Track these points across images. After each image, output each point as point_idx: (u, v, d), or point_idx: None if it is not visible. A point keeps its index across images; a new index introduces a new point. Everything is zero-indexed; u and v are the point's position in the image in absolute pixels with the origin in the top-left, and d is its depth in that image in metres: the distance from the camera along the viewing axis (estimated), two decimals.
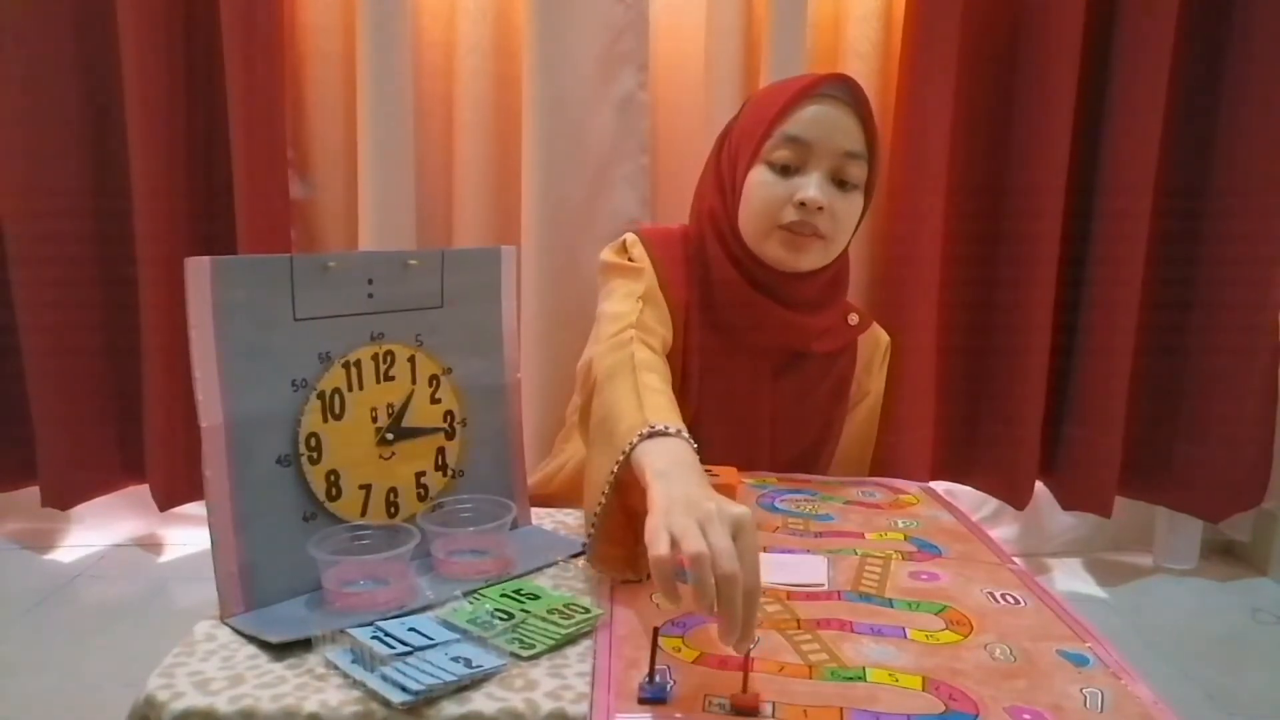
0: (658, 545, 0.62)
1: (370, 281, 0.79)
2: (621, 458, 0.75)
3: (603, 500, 0.77)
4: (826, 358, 1.16)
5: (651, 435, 0.75)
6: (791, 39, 1.54)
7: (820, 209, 1.02)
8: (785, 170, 1.04)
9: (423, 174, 1.63)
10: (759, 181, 1.05)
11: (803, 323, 1.10)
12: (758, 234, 1.06)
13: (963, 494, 1.80)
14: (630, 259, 1.10)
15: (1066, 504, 1.78)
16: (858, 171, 1.05)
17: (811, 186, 1.02)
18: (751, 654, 0.65)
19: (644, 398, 0.83)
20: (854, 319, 1.17)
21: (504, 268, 0.89)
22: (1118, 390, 1.67)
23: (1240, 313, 1.67)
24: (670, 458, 0.73)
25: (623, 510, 0.78)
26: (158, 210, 1.57)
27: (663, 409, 0.82)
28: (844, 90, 1.04)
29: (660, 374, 0.92)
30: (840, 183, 1.05)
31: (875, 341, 1.23)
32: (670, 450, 0.74)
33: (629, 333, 0.98)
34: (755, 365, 1.12)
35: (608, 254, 1.13)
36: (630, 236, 1.13)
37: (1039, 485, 1.77)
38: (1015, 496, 1.74)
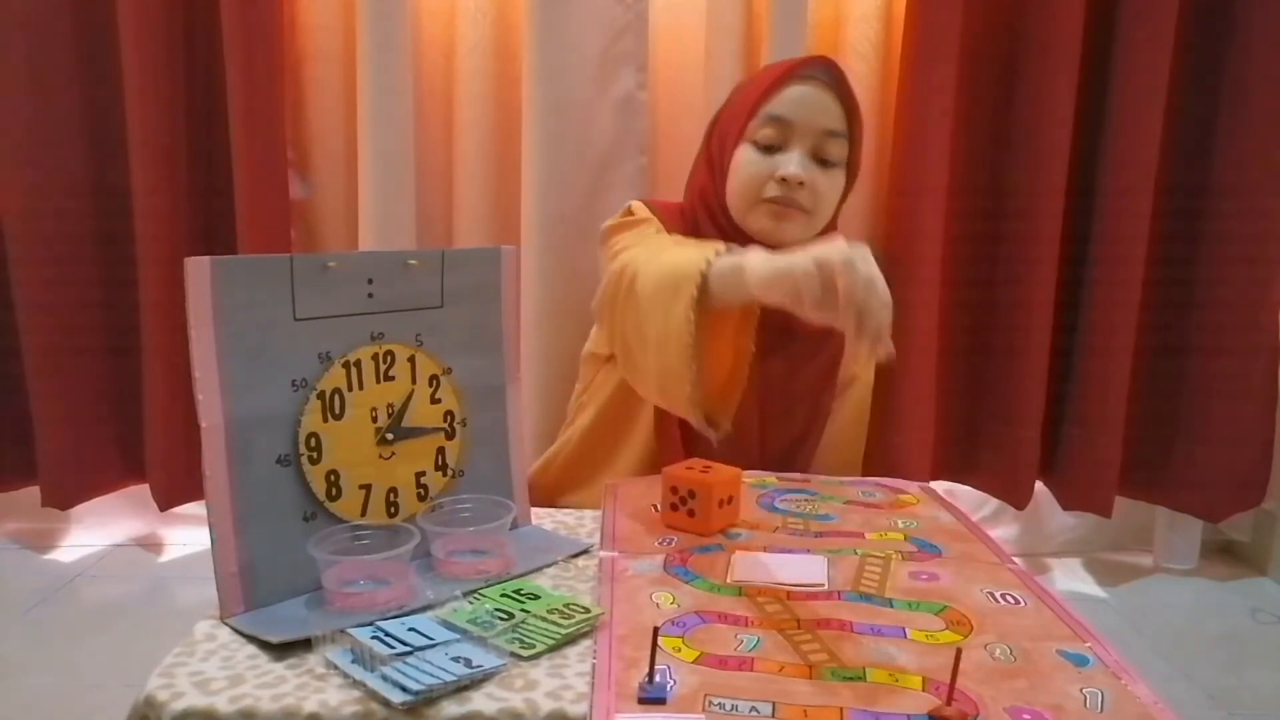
0: (806, 269, 0.74)
1: (370, 281, 0.79)
2: (700, 279, 0.86)
3: (688, 339, 0.86)
4: (814, 339, 1.17)
5: (720, 256, 0.88)
6: (791, 39, 1.54)
7: (801, 184, 1.08)
8: (769, 149, 1.10)
9: (423, 174, 1.63)
10: (744, 159, 1.11)
11: None
12: (743, 208, 1.12)
13: (963, 494, 1.80)
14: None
15: (1067, 504, 1.78)
16: (838, 150, 1.11)
17: (792, 163, 1.08)
18: (754, 653, 0.65)
19: (693, 246, 0.93)
20: None
21: (504, 268, 0.89)
22: (1118, 390, 1.67)
23: (1240, 313, 1.67)
24: (755, 254, 0.84)
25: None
26: (158, 210, 1.57)
27: (717, 247, 0.90)
28: (825, 72, 1.10)
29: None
30: (822, 160, 1.10)
31: None
32: (749, 252, 0.85)
33: (653, 227, 1.11)
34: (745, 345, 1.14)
35: (609, 221, 1.19)
36: (636, 203, 1.19)
37: (1039, 485, 1.77)
38: (1015, 496, 1.74)
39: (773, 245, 1.07)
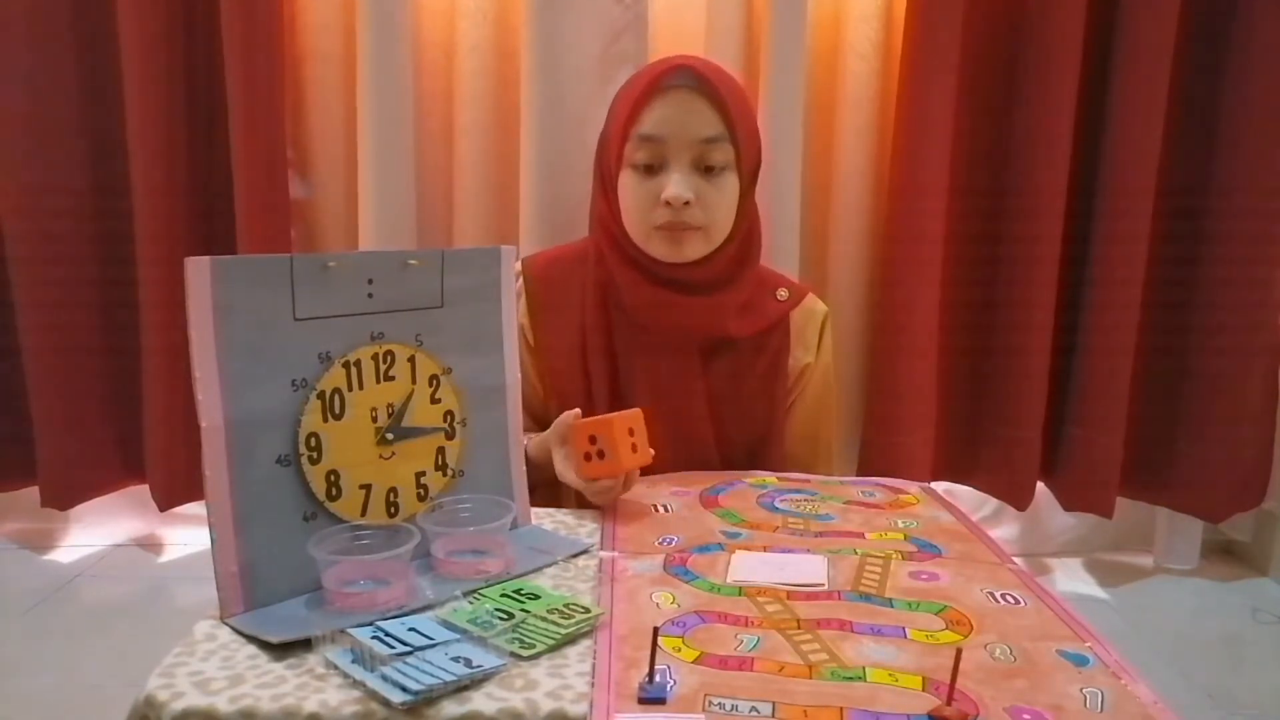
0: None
1: (370, 281, 0.79)
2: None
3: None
4: (754, 339, 1.15)
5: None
6: (791, 39, 1.54)
7: (687, 203, 1.03)
8: (649, 170, 1.05)
9: (423, 174, 1.63)
10: (627, 186, 1.07)
11: (714, 304, 1.11)
12: (640, 236, 1.08)
13: (963, 494, 1.80)
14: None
15: (1068, 504, 1.78)
16: (721, 155, 1.05)
17: (673, 184, 1.03)
18: (754, 653, 0.65)
19: None
20: (783, 294, 1.18)
21: (504, 268, 0.89)
22: (1119, 391, 1.67)
23: (1240, 313, 1.67)
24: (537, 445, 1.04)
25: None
26: (158, 210, 1.57)
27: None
28: (690, 77, 1.04)
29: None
30: (707, 169, 1.05)
31: (809, 314, 1.21)
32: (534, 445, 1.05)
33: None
34: (682, 357, 1.13)
35: None
36: (517, 265, 1.15)
37: (1040, 485, 1.77)
38: (1016, 497, 1.74)
39: (678, 265, 1.08)
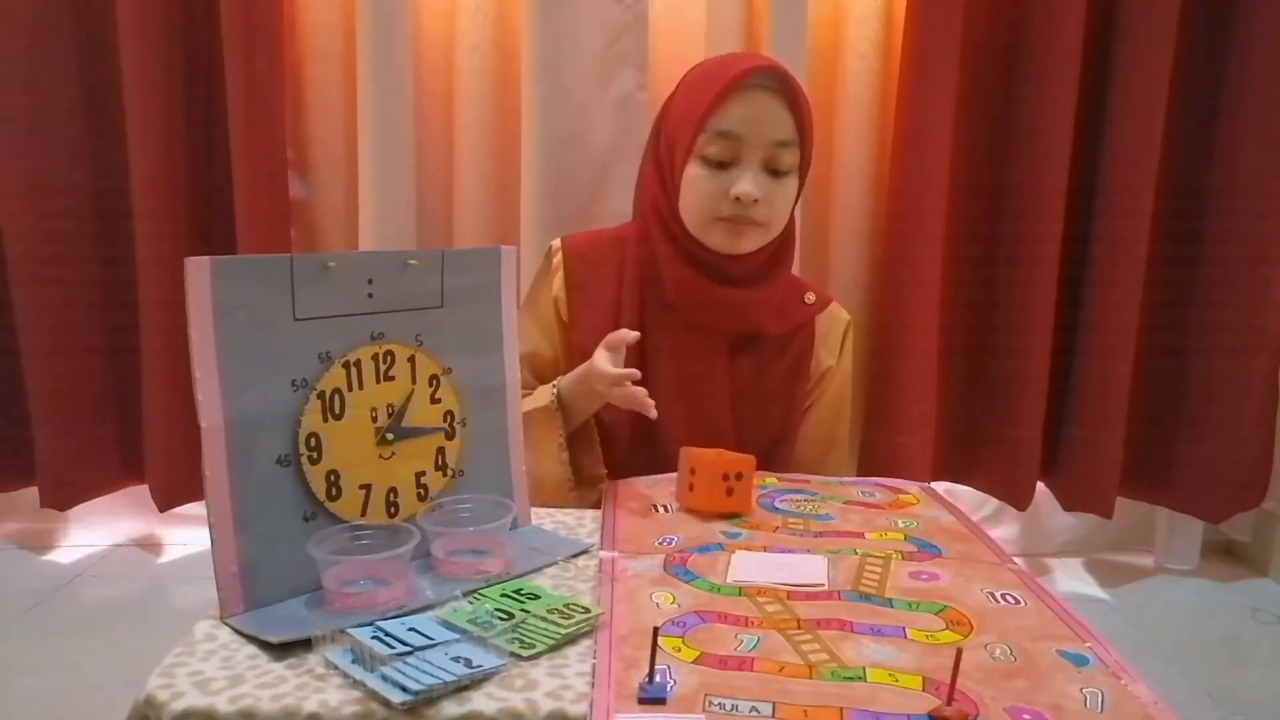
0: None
1: (370, 281, 0.79)
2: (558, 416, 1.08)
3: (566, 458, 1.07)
4: (780, 339, 1.18)
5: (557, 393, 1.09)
6: (791, 39, 1.54)
7: (756, 201, 1.06)
8: (720, 164, 1.07)
9: (423, 174, 1.63)
10: (695, 177, 1.08)
11: (750, 298, 1.13)
12: (699, 226, 1.10)
13: (963, 494, 1.80)
14: (550, 266, 1.19)
15: (1068, 504, 1.78)
16: (790, 159, 1.08)
17: (745, 181, 1.05)
18: (754, 653, 0.65)
19: (530, 400, 1.07)
20: (810, 298, 1.21)
21: (504, 268, 0.89)
22: (1119, 391, 1.67)
23: (1240, 313, 1.67)
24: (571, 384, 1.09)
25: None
26: (158, 210, 1.57)
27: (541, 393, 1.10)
28: (772, 78, 1.06)
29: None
30: (773, 170, 1.08)
31: (834, 319, 1.23)
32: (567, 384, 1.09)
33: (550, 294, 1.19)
34: (712, 349, 1.15)
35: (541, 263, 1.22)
36: (555, 244, 1.20)
37: (1040, 485, 1.77)
38: (1016, 497, 1.74)
39: (731, 256, 1.10)
